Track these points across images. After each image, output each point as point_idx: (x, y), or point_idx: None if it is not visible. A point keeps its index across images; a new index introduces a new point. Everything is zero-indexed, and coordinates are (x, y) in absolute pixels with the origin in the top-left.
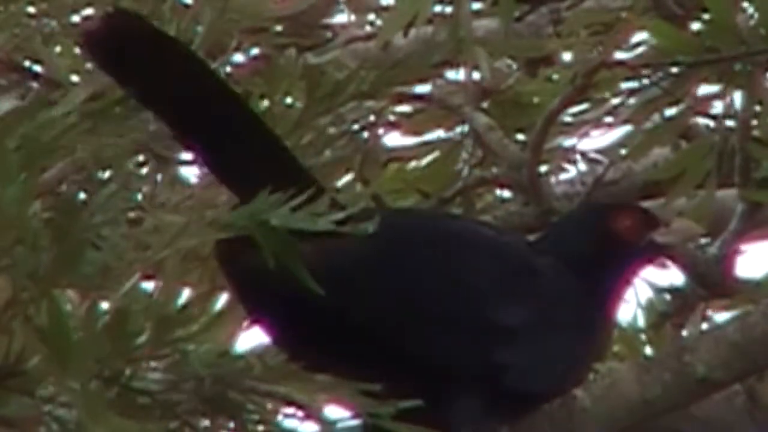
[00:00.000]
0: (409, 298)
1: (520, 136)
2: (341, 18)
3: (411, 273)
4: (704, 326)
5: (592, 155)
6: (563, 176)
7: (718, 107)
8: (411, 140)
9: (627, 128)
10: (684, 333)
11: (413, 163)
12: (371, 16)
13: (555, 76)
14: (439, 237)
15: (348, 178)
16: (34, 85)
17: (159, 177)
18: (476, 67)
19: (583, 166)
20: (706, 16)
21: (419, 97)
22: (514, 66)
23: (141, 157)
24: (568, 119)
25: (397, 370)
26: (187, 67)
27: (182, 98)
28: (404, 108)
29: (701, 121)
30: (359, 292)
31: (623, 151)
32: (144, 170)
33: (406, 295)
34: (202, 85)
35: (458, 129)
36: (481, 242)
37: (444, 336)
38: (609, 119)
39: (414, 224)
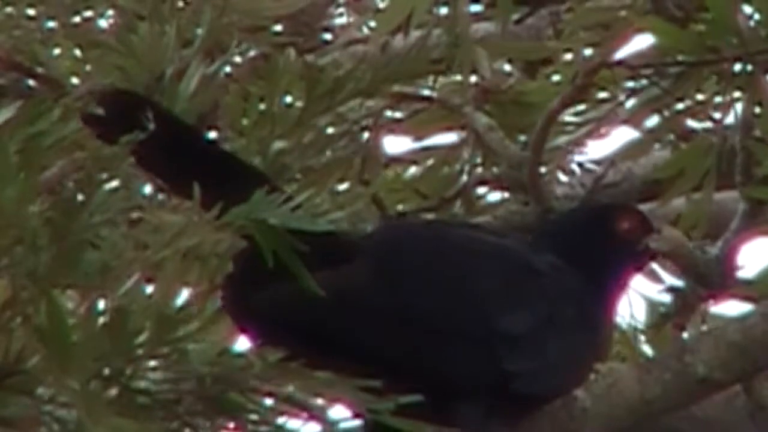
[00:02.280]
0: (416, 313)
1: (522, 137)
2: (341, 20)
3: (416, 287)
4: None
5: (589, 165)
6: (563, 179)
7: (717, 110)
8: (411, 144)
9: (626, 130)
10: (685, 334)
11: (413, 167)
12: (372, 22)
13: (555, 77)
14: (442, 248)
15: (348, 179)
16: (32, 83)
17: None
18: (474, 71)
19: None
20: (706, 16)
21: (420, 97)
22: (513, 69)
23: None
24: (569, 118)
25: (405, 380)
26: (173, 129)
27: (169, 153)
28: (404, 110)
29: (701, 123)
30: (366, 312)
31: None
32: None
33: (413, 310)
34: (186, 142)
35: (458, 132)
36: (483, 249)
37: (453, 348)
38: (605, 129)
39: (417, 237)
